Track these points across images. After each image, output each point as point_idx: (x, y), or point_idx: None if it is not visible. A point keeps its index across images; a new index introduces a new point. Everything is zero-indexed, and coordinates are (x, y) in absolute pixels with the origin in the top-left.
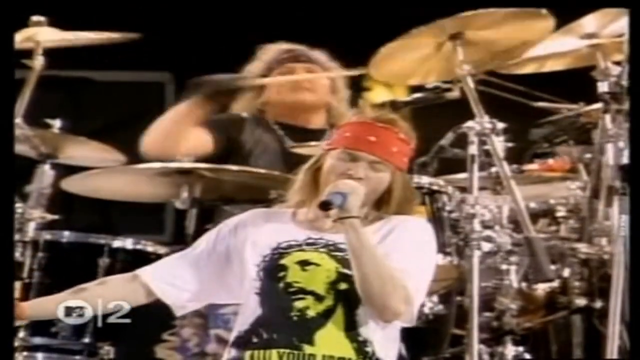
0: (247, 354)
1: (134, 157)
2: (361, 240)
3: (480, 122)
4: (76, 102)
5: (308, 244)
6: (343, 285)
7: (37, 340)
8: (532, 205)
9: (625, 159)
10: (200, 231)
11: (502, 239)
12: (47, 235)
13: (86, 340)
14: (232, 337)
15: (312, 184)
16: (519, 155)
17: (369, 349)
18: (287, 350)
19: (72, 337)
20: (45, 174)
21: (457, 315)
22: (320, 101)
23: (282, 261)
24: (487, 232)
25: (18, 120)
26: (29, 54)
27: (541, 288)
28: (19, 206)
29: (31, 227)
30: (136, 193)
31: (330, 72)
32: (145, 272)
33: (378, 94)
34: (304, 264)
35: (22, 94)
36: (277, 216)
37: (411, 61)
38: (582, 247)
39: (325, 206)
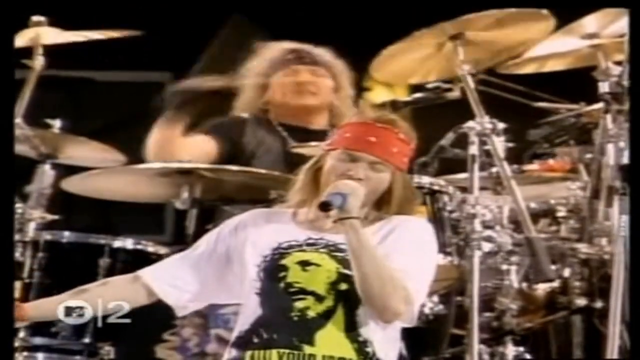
0: (248, 354)
1: (134, 157)
2: (361, 241)
3: (480, 122)
4: (76, 102)
5: (308, 244)
6: (343, 286)
7: (38, 340)
8: (533, 205)
9: (625, 159)
10: (200, 231)
11: (502, 239)
12: (47, 236)
13: (86, 340)
14: (232, 337)
15: (312, 184)
16: (519, 156)
17: (369, 350)
18: (287, 351)
19: (72, 337)
20: (46, 174)
21: (457, 315)
22: (324, 103)
23: (283, 261)
24: (488, 232)
25: (18, 120)
26: (29, 54)
27: (541, 288)
28: (19, 206)
29: (31, 227)
30: (136, 193)
31: (335, 72)
32: (147, 273)
33: (378, 94)
34: (304, 264)
35: (22, 94)
36: (278, 216)
37: (412, 60)
38: (583, 247)
39: (325, 207)
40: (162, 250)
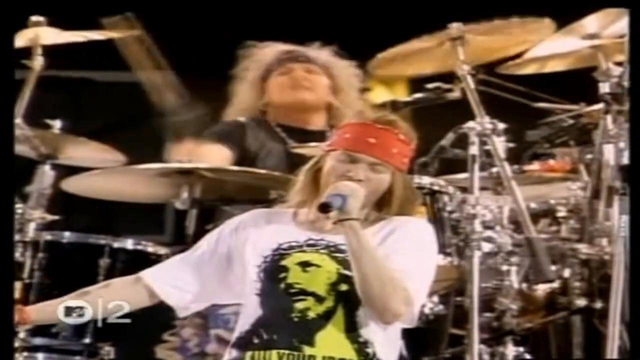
0: (248, 354)
1: (134, 157)
2: (361, 242)
3: (481, 123)
4: (76, 102)
5: (309, 245)
6: (344, 287)
7: (38, 340)
8: (533, 205)
9: (625, 160)
10: (200, 232)
11: (502, 240)
12: (47, 236)
13: (86, 340)
14: (233, 337)
15: (312, 185)
16: (519, 156)
17: (369, 350)
18: (288, 351)
19: (72, 338)
20: (46, 174)
21: (457, 315)
22: (320, 101)
23: (283, 262)
24: (488, 233)
25: (18, 120)
26: (28, 54)
27: (541, 288)
28: (19, 207)
29: (31, 228)
30: (136, 193)
31: (332, 72)
32: (148, 275)
33: (378, 95)
34: (304, 265)
35: (22, 94)
36: (278, 217)
37: (410, 50)
38: (583, 248)
39: (324, 208)
40: (162, 250)
